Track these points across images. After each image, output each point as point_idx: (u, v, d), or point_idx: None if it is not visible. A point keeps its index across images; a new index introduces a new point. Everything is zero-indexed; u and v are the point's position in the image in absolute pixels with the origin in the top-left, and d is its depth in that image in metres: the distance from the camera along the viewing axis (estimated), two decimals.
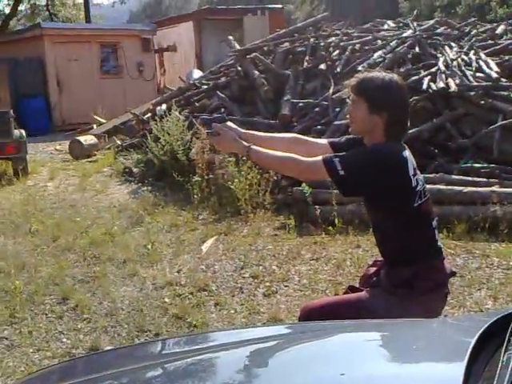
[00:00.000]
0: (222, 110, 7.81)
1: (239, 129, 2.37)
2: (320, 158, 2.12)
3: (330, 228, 4.88)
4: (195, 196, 6.01)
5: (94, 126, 11.03)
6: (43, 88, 13.61)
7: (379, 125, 2.14)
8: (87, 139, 9.61)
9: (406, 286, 2.16)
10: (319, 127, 6.44)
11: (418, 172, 2.23)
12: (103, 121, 11.22)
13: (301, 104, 6.94)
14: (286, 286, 4.04)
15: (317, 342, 1.47)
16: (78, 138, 9.78)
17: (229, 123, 2.35)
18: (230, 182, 5.75)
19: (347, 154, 2.15)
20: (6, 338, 3.37)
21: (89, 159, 9.09)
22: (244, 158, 5.82)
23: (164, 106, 8.79)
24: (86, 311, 3.74)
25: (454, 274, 2.44)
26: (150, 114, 8.86)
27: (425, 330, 1.47)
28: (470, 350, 1.06)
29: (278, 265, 4.41)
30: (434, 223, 2.26)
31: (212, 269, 4.47)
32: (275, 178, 5.66)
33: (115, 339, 3.41)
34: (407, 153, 2.17)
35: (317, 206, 5.08)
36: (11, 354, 3.19)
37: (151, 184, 6.92)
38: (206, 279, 4.22)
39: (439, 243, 2.27)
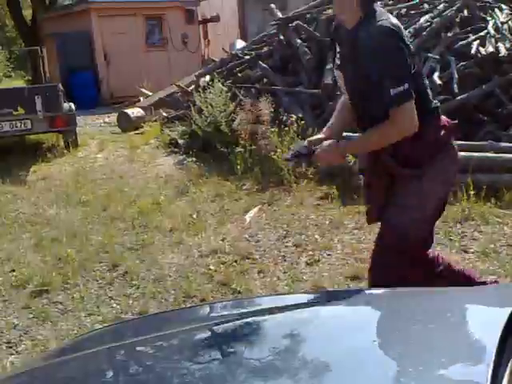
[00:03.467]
0: (265, 80, 7.80)
1: (318, 136, 2.50)
2: (390, 107, 2.15)
3: None
4: (238, 166, 6.07)
5: (141, 99, 11.19)
6: (91, 62, 13.87)
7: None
8: (134, 111, 9.79)
9: (413, 161, 2.28)
10: None
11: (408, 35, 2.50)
12: (149, 93, 11.37)
13: None
14: (328, 255, 4.08)
15: (355, 308, 1.49)
16: (125, 110, 9.97)
17: (308, 141, 2.49)
18: (272, 153, 5.77)
19: (384, 68, 2.16)
20: (60, 303, 3.56)
21: (136, 131, 9.27)
22: (287, 128, 5.85)
23: (207, 78, 8.83)
24: (135, 277, 3.89)
25: (455, 126, 2.42)
26: (194, 86, 8.91)
27: (460, 300, 1.46)
28: (505, 321, 1.03)
29: (320, 234, 4.44)
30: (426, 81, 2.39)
31: (255, 237, 4.54)
32: None
33: (163, 304, 3.55)
34: (395, 19, 2.33)
35: (360, 175, 5.05)
36: (65, 318, 3.37)
37: (196, 155, 7.02)
38: (250, 248, 4.31)
39: (435, 101, 2.37)
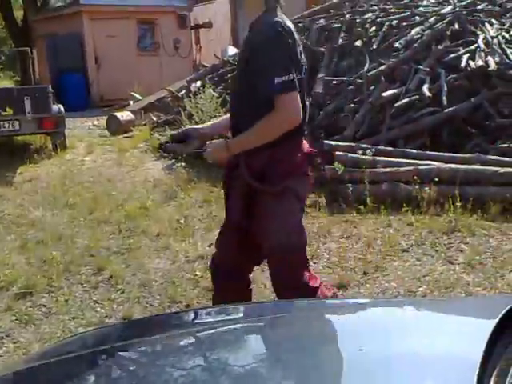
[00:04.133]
0: None
1: (198, 129, 2.56)
2: (276, 94, 2.13)
3: (362, 207, 4.87)
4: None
5: (131, 103, 11.17)
6: (82, 64, 13.82)
7: None
8: (124, 115, 9.75)
9: (263, 173, 2.23)
10: (353, 105, 6.39)
11: (302, 44, 2.38)
12: (139, 97, 11.35)
13: (335, 82, 6.88)
14: (315, 263, 4.07)
15: (339, 317, 1.50)
16: (115, 113, 9.93)
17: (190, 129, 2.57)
18: None
19: (272, 57, 2.16)
20: (44, 306, 3.52)
21: (125, 135, 9.22)
22: None
23: (198, 83, 8.84)
24: (120, 282, 3.86)
25: (314, 154, 2.43)
26: (184, 91, 8.91)
27: (449, 309, 1.47)
28: (491, 331, 1.04)
29: (307, 242, 4.43)
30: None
31: None
32: None
33: (147, 309, 3.52)
34: (289, 22, 2.33)
35: (349, 185, 5.07)
36: (48, 321, 3.34)
37: (185, 160, 7.00)
38: None
39: (304, 132, 2.35)
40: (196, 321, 1.69)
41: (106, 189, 6.07)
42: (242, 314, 1.75)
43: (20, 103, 7.12)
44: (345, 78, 6.84)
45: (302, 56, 2.29)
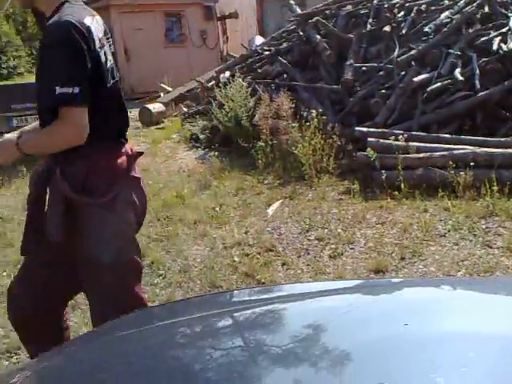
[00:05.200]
0: (285, 75, 7.85)
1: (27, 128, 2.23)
2: (57, 105, 1.88)
3: (396, 193, 4.89)
4: (260, 161, 6.15)
5: (161, 95, 11.32)
6: None
7: None
8: (155, 107, 9.91)
9: (84, 185, 1.99)
10: (383, 91, 6.38)
11: (107, 44, 2.09)
12: (169, 89, 11.49)
13: (364, 68, 6.87)
14: (351, 249, 4.14)
15: (384, 296, 1.49)
16: (146, 105, 10.10)
17: None
18: (293, 148, 5.83)
19: (55, 63, 1.90)
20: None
21: (157, 126, 9.39)
22: (308, 123, 5.90)
23: (227, 74, 8.91)
24: (161, 268, 3.98)
25: (138, 155, 2.18)
26: (214, 82, 9.01)
27: (497, 288, 1.47)
28: None
29: (343, 228, 4.50)
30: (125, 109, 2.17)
31: (278, 231, 4.61)
32: (339, 143, 5.70)
33: (189, 294, 3.64)
34: (89, 19, 1.98)
35: (382, 171, 5.10)
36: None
37: (217, 150, 7.11)
38: (273, 240, 4.38)
39: (125, 135, 2.14)
40: (234, 300, 1.70)
41: (143, 178, 6.20)
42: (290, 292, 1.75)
43: None
44: (375, 64, 6.83)
45: (108, 59, 2.06)
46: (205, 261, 4.08)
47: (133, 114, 10.79)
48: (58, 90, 1.84)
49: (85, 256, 2.01)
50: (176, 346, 1.29)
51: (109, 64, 2.07)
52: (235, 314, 1.41)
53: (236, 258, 4.11)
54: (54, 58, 1.91)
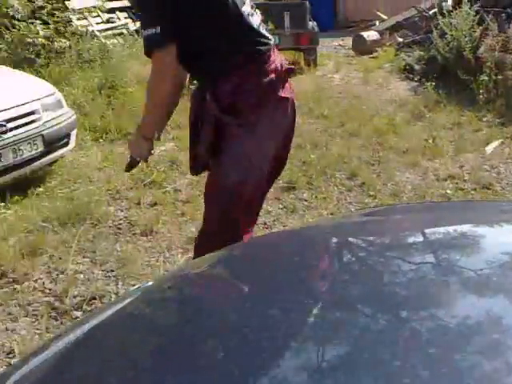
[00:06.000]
0: None
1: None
2: (156, 51, 1.87)
3: None
4: (480, 96, 5.77)
5: (377, 23, 11.04)
6: None
7: None
8: (369, 35, 9.73)
9: (236, 108, 1.92)
10: None
11: None
12: (385, 17, 11.14)
13: None
14: None
15: None
16: (360, 33, 9.96)
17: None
18: None
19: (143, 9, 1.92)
20: (305, 200, 3.90)
21: (370, 55, 9.24)
22: None
23: (450, 1, 8.33)
24: (372, 189, 4.06)
25: (290, 70, 2.04)
26: (435, 10, 8.49)
27: None
28: None
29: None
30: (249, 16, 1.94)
31: (496, 169, 4.37)
32: None
33: None
34: None
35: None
36: (310, 213, 3.71)
37: (433, 81, 6.81)
38: (490, 178, 4.17)
39: (264, 36, 1.96)
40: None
41: (354, 104, 6.27)
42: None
43: (280, 18, 7.55)
44: None
45: None
46: (416, 189, 4.06)
47: (345, 41, 10.78)
48: (144, 33, 1.86)
49: (213, 171, 2.05)
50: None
51: None
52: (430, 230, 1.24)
53: (449, 191, 4.02)
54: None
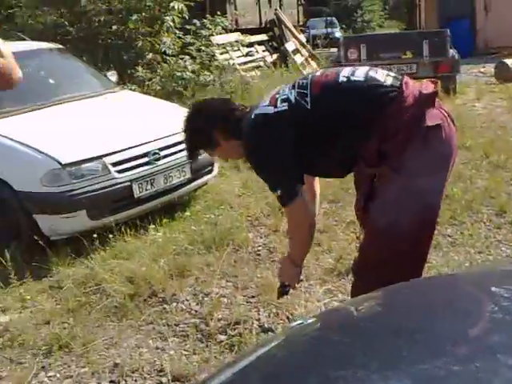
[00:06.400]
0: None
1: None
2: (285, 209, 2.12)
3: None
4: None
5: None
6: (470, 11, 13.43)
7: (221, 137, 2.12)
8: None
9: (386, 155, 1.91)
10: None
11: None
12: None
13: None
14: None
15: None
16: (504, 60, 9.44)
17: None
18: None
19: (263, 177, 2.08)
20: (449, 236, 3.72)
21: None
22: None
23: None
24: None
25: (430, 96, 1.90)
26: None
27: None
28: None
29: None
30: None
31: None
32: None
33: None
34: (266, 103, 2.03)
35: None
36: (455, 250, 3.52)
37: None
38: None
39: (390, 85, 1.92)
40: None
41: (499, 135, 5.90)
42: None
43: (419, 47, 7.41)
44: None
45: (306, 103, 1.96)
46: None
47: (486, 69, 10.27)
48: (275, 193, 2.03)
49: (369, 217, 2.04)
50: None
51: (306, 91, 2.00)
52: None
53: None
54: (254, 162, 2.12)
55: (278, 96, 2.01)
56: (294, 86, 2.02)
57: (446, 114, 1.94)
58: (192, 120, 2.17)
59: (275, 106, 1.98)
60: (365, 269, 2.06)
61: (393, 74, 2.03)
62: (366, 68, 2.04)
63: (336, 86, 1.98)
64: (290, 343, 1.12)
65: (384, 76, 1.98)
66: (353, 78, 1.97)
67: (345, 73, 1.99)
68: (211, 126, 2.11)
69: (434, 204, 1.97)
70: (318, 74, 2.07)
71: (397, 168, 1.88)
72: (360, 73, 1.99)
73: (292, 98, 1.97)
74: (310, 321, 1.17)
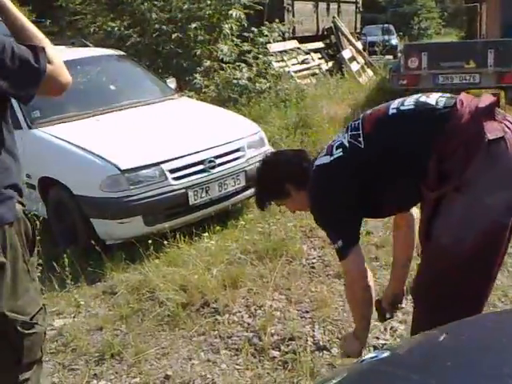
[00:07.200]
0: None
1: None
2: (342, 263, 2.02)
3: None
4: None
5: None
6: None
7: (293, 189, 2.11)
8: None
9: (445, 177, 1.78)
10: None
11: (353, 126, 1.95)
12: None
13: None
14: None
15: None
16: None
17: None
18: None
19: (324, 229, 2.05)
20: None
21: None
22: None
23: None
24: None
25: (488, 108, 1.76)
26: None
27: None
28: None
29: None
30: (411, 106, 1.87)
31: None
32: None
33: None
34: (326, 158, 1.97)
35: None
36: None
37: None
38: None
39: (443, 107, 1.81)
40: None
41: None
42: None
43: (483, 56, 7.16)
44: None
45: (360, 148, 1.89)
46: None
47: None
48: (334, 246, 1.98)
49: (431, 236, 1.89)
50: None
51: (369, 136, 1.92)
52: None
53: None
54: (316, 217, 2.07)
55: (333, 144, 1.98)
56: (346, 130, 1.98)
57: (510, 126, 1.80)
58: (265, 173, 2.19)
59: (331, 155, 1.94)
60: (426, 291, 1.93)
61: (447, 95, 1.92)
62: (418, 95, 1.95)
63: (387, 119, 1.91)
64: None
65: (436, 98, 1.88)
66: (402, 108, 1.89)
67: (395, 104, 1.93)
68: (284, 178, 2.12)
69: (502, 221, 1.79)
70: (369, 111, 2.02)
71: (459, 187, 1.77)
72: (410, 100, 1.91)
73: (346, 142, 1.93)
74: (384, 355, 1.09)
